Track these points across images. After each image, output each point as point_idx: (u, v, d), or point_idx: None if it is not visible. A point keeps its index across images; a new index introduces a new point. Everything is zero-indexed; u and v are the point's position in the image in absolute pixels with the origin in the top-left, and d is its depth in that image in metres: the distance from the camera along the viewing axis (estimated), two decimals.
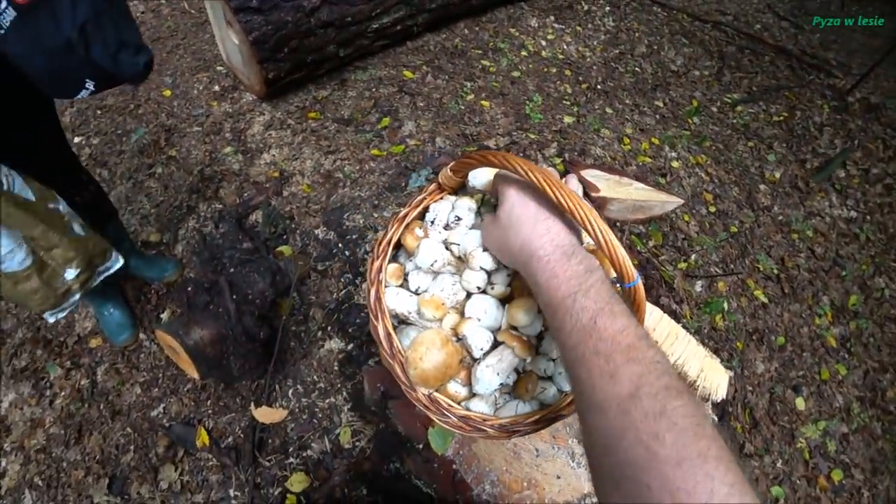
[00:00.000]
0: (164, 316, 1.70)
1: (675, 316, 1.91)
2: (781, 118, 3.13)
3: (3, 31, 0.72)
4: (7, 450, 1.45)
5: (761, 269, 2.29)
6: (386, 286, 0.79)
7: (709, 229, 2.35)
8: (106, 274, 1.21)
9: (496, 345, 0.73)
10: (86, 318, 1.69)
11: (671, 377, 0.39)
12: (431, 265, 0.77)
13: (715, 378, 1.19)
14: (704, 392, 1.18)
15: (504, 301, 0.77)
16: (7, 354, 1.62)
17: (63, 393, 1.55)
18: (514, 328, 0.73)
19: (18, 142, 1.03)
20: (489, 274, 0.75)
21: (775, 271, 2.30)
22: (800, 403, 1.96)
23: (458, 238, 0.78)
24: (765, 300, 2.18)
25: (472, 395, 0.75)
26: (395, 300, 0.77)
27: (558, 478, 0.94)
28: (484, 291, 0.76)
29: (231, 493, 1.39)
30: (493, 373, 0.69)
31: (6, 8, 0.69)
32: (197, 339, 1.20)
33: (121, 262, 1.25)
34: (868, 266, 2.46)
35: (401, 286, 0.81)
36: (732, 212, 2.48)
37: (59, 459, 1.45)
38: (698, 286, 2.09)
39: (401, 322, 0.81)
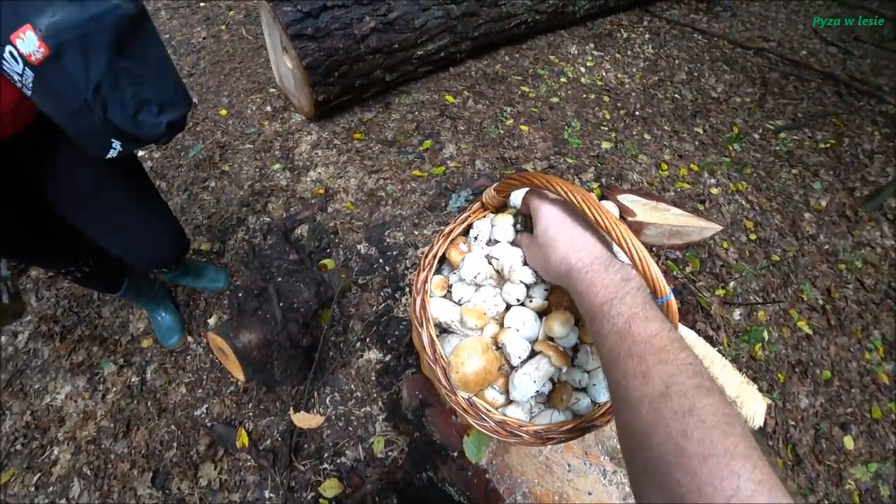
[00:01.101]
0: (211, 321, 1.79)
1: (712, 342, 1.87)
2: (828, 145, 3.05)
3: (30, 93, 0.73)
4: (60, 439, 1.54)
5: (805, 299, 2.22)
6: (431, 296, 0.84)
7: (749, 257, 2.30)
8: None
9: (533, 354, 0.77)
10: (139, 319, 1.80)
11: (703, 377, 0.42)
12: (475, 278, 0.82)
13: (752, 404, 1.17)
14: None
15: (541, 314, 0.80)
16: (67, 349, 1.73)
17: (115, 388, 1.65)
18: (551, 339, 0.76)
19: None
20: (528, 287, 0.79)
21: (820, 302, 2.22)
22: (848, 442, 1.87)
23: (499, 253, 0.83)
24: (809, 331, 2.11)
25: (509, 402, 0.78)
26: (440, 309, 0.82)
27: (589, 494, 0.95)
28: (522, 304, 0.80)
29: (266, 494, 1.44)
30: (529, 380, 0.72)
31: (25, 69, 0.69)
32: (245, 342, 1.28)
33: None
34: None
35: (444, 297, 0.86)
36: (774, 240, 2.42)
37: (108, 451, 1.53)
38: (737, 314, 2.05)
39: (443, 331, 0.86)
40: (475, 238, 0.88)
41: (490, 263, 0.83)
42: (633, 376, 0.44)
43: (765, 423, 1.79)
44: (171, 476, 1.49)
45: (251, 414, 1.56)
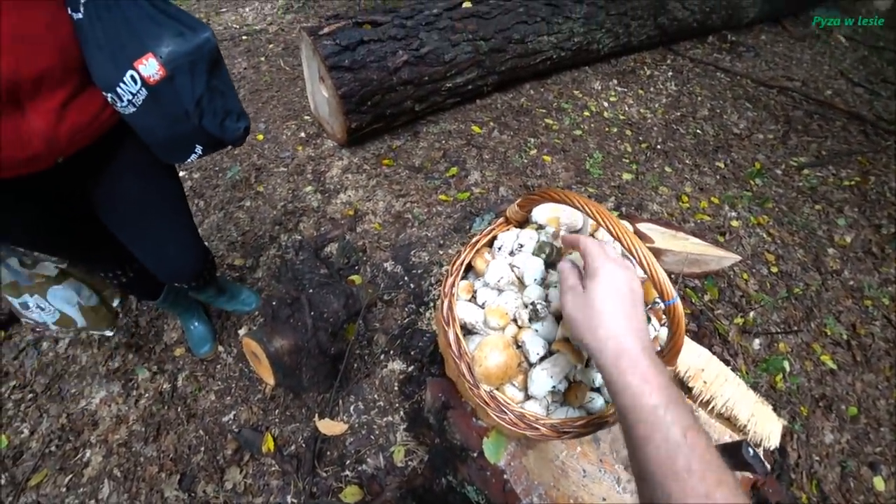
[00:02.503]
0: (241, 332, 1.87)
1: (729, 368, 1.87)
2: (853, 182, 3.06)
3: (135, 109, 0.87)
4: (93, 442, 1.61)
5: (829, 333, 2.19)
6: (457, 299, 0.91)
7: (770, 289, 2.30)
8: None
9: (551, 354, 0.82)
10: (173, 329, 1.89)
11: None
12: (498, 282, 0.89)
13: (767, 424, 1.18)
14: (756, 437, 1.17)
15: (559, 317, 0.86)
16: (104, 356, 1.82)
17: (147, 394, 1.72)
18: (567, 339, 0.82)
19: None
20: (548, 290, 0.86)
21: (845, 337, 2.20)
22: (879, 483, 1.81)
23: (520, 262, 0.90)
24: (833, 366, 2.08)
25: (528, 398, 0.83)
26: (465, 311, 0.88)
27: (604, 500, 0.97)
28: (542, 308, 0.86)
29: (289, 499, 1.48)
30: (546, 376, 0.78)
31: (140, 89, 0.84)
32: (277, 346, 1.35)
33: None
34: None
35: (470, 300, 0.93)
36: (797, 273, 2.42)
37: (138, 454, 1.58)
38: (756, 344, 2.04)
39: (468, 332, 0.92)
40: (499, 248, 0.96)
41: (512, 271, 0.90)
42: (694, 495, 0.43)
43: (787, 453, 1.77)
44: (197, 479, 1.54)
45: (277, 420, 1.61)
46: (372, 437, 1.54)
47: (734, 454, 0.74)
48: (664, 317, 0.89)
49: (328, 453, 1.53)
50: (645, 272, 0.65)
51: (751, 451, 0.73)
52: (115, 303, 1.54)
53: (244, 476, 1.54)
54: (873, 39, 5.15)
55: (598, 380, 0.82)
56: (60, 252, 1.20)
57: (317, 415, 1.57)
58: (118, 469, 1.56)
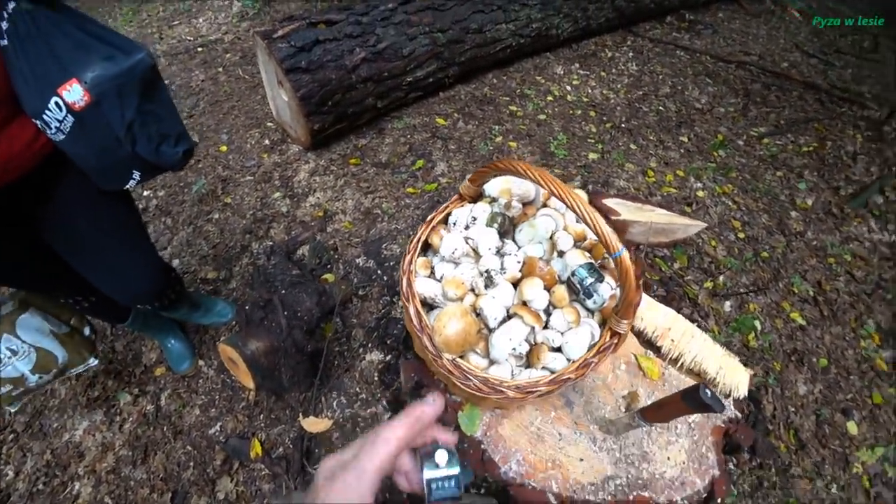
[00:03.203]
0: (218, 344, 1.85)
1: (700, 329, 1.92)
2: (811, 148, 3.15)
3: (64, 136, 0.85)
4: (80, 473, 1.58)
5: (796, 291, 2.27)
6: (416, 276, 0.93)
7: (737, 254, 2.37)
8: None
9: (510, 318, 0.84)
10: (151, 350, 1.87)
11: None
12: (452, 254, 0.91)
13: (735, 376, 1.22)
14: (725, 389, 1.21)
15: (515, 285, 0.89)
16: (83, 386, 1.78)
17: (131, 418, 1.70)
18: (525, 303, 0.84)
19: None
20: (502, 258, 0.88)
21: (812, 294, 2.27)
22: (852, 428, 1.88)
23: (474, 234, 0.92)
24: (802, 322, 2.15)
25: (491, 364, 0.85)
26: (424, 286, 0.90)
27: (581, 460, 1.00)
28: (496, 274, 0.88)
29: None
30: (506, 338, 0.80)
31: (66, 115, 0.82)
32: (253, 349, 1.35)
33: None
34: None
35: (429, 276, 0.95)
36: (762, 237, 2.49)
37: (127, 479, 1.56)
38: (727, 306, 2.10)
39: (430, 308, 0.94)
40: (454, 224, 0.98)
41: (466, 243, 0.92)
42: None
43: (763, 407, 1.82)
44: (189, 495, 1.52)
45: (263, 424, 1.61)
46: (357, 429, 1.54)
47: (693, 397, 0.77)
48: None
49: (316, 451, 1.54)
50: (590, 228, 0.67)
51: (708, 392, 0.76)
52: (87, 331, 1.47)
53: (235, 484, 1.54)
54: (826, 12, 5.31)
55: (557, 339, 0.84)
56: (16, 281, 1.18)
57: (301, 414, 1.57)
58: (109, 497, 1.54)
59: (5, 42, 0.77)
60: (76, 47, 0.81)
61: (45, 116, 0.82)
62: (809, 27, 5.06)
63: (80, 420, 1.70)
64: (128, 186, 1.01)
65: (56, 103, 0.81)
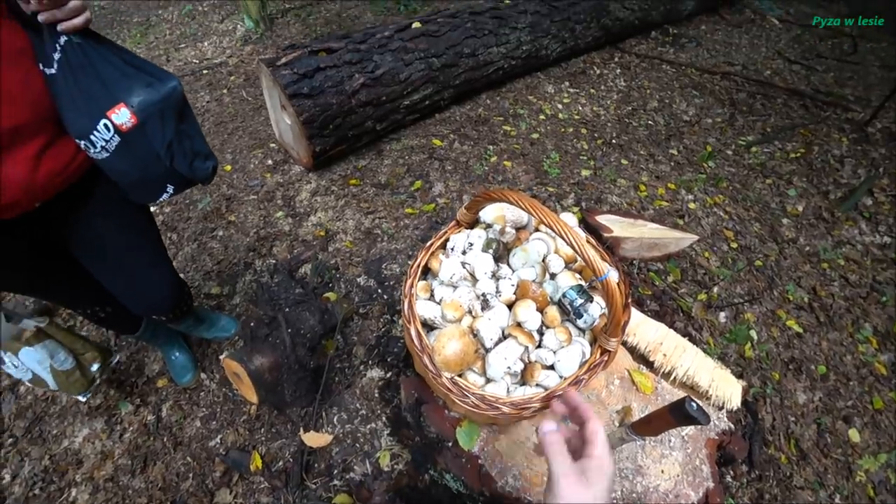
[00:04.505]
0: (222, 357, 1.89)
1: (695, 342, 1.95)
2: (798, 154, 3.22)
3: (108, 154, 0.93)
4: (78, 480, 1.60)
5: (791, 299, 2.30)
6: (416, 298, 0.97)
7: (731, 264, 2.41)
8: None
9: (505, 339, 0.89)
10: (154, 361, 1.91)
11: None
12: (451, 278, 0.95)
13: (727, 388, 1.26)
14: (718, 401, 1.25)
15: (510, 307, 0.93)
16: None
17: (132, 427, 1.73)
18: (519, 324, 0.88)
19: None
20: (497, 282, 0.92)
21: (807, 300, 2.30)
22: (854, 435, 1.88)
23: (471, 259, 0.97)
24: (799, 330, 2.18)
25: (488, 382, 0.89)
26: (424, 308, 0.95)
27: None
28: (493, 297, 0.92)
29: None
30: (501, 358, 0.84)
31: (113, 136, 0.90)
32: (258, 364, 1.39)
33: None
34: None
35: (428, 299, 0.99)
36: (755, 246, 2.53)
37: (126, 488, 1.58)
38: (722, 316, 2.13)
39: (430, 329, 0.98)
40: (452, 249, 1.03)
41: (464, 267, 0.97)
42: None
43: (761, 418, 1.84)
44: None
45: (263, 438, 1.64)
46: (357, 444, 1.57)
47: (680, 410, 0.80)
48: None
49: (315, 465, 1.56)
50: (577, 253, 0.72)
51: (694, 405, 0.79)
52: (94, 367, 1.55)
53: (234, 497, 1.56)
54: (804, 18, 5.44)
55: (550, 357, 0.88)
56: (38, 292, 1.24)
57: (302, 428, 1.60)
58: None
59: (54, 70, 0.85)
60: (121, 75, 0.89)
61: (92, 137, 0.90)
62: (790, 34, 5.17)
63: (81, 427, 1.73)
64: (161, 199, 1.10)
65: (105, 125, 0.89)
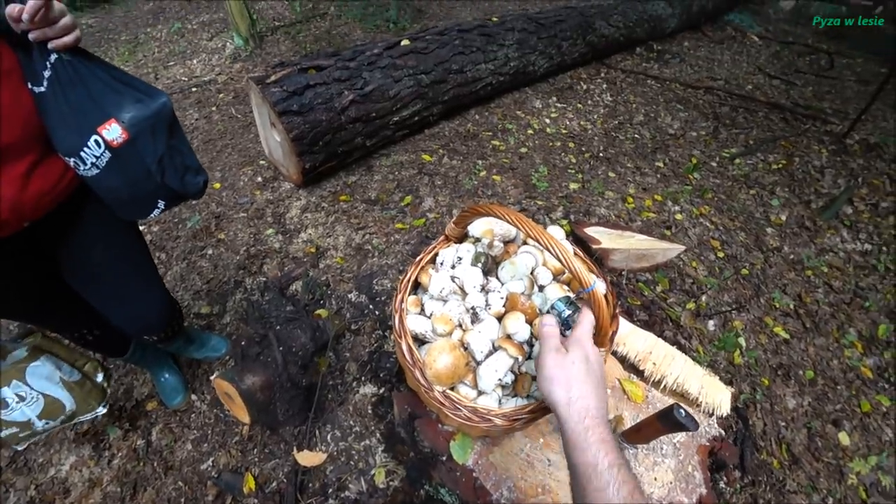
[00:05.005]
0: (213, 377, 1.87)
1: (684, 350, 1.97)
2: (780, 165, 3.30)
3: (98, 171, 0.92)
4: None
5: (778, 306, 2.34)
6: (407, 313, 0.98)
7: (718, 273, 2.45)
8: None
9: (495, 351, 0.90)
10: (143, 384, 1.87)
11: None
12: (440, 292, 0.96)
13: (716, 395, 1.27)
14: (708, 408, 1.26)
15: (500, 319, 0.94)
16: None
17: (120, 453, 1.68)
18: (509, 336, 0.90)
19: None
20: (487, 295, 0.94)
21: (793, 307, 2.35)
22: (844, 438, 1.91)
23: (460, 273, 0.98)
24: (786, 336, 2.21)
25: (480, 394, 0.90)
26: (415, 322, 0.96)
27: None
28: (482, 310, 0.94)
29: None
30: (492, 370, 0.85)
31: (104, 152, 0.90)
32: (249, 384, 1.38)
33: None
34: (892, 295, 2.46)
35: (419, 314, 1.00)
36: (741, 255, 2.58)
37: None
38: (711, 325, 2.16)
39: (421, 343, 0.99)
40: (441, 263, 1.04)
41: (453, 281, 0.98)
42: None
43: (752, 424, 1.86)
44: None
45: (256, 459, 1.62)
46: (351, 462, 1.56)
47: (668, 417, 0.82)
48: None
49: (310, 485, 1.54)
50: (564, 265, 0.74)
51: (682, 412, 0.81)
52: (99, 378, 1.49)
53: None
54: (783, 35, 5.62)
55: None
56: (24, 315, 1.22)
57: (295, 448, 1.58)
58: None
59: (43, 88, 0.85)
60: (111, 91, 0.90)
61: (82, 153, 0.90)
62: (769, 50, 5.34)
63: (67, 455, 1.68)
64: (152, 215, 1.09)
65: (95, 141, 0.89)
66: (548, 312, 0.81)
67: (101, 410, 1.46)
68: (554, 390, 0.68)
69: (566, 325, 0.85)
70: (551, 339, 0.74)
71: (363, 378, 1.77)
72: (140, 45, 4.75)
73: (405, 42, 2.97)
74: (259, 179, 2.86)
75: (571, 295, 0.93)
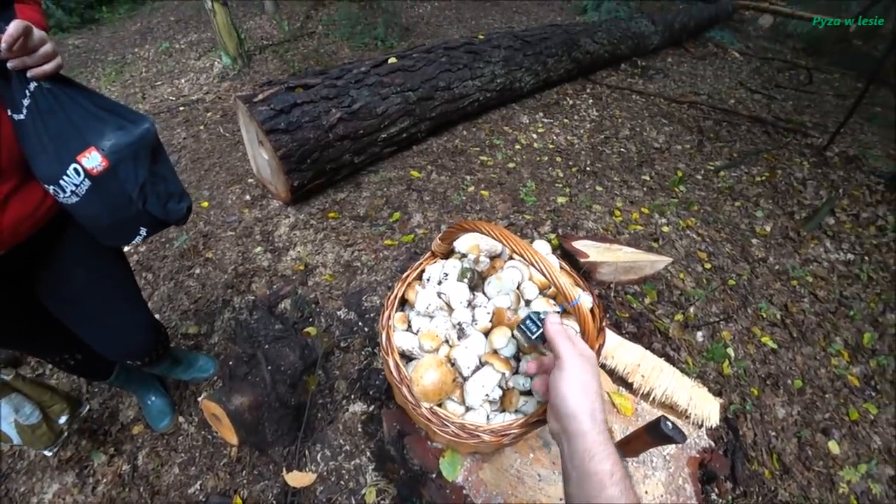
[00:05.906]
0: (201, 399, 1.84)
1: (673, 362, 1.98)
2: (763, 178, 3.37)
3: (78, 199, 0.91)
4: None
5: (765, 316, 2.36)
6: (394, 330, 0.98)
7: (705, 284, 2.47)
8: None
9: (482, 367, 0.90)
10: (129, 407, 1.84)
11: None
12: (427, 308, 0.96)
13: (705, 406, 1.28)
14: (698, 419, 1.27)
15: (486, 335, 0.94)
16: (55, 447, 1.75)
17: (105, 479, 1.64)
18: (496, 351, 0.90)
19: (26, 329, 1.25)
20: (473, 310, 0.94)
21: (779, 317, 2.37)
22: (833, 447, 1.91)
23: (447, 289, 0.99)
24: (774, 346, 2.23)
25: (468, 410, 0.90)
26: (402, 339, 0.96)
27: (561, 500, 1.03)
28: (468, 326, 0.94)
29: None
30: (479, 385, 0.85)
31: (83, 180, 0.89)
32: (237, 404, 1.36)
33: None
34: (876, 304, 2.50)
35: (406, 330, 1.00)
36: (728, 266, 2.61)
37: None
38: (699, 336, 2.18)
39: (408, 359, 0.99)
40: (428, 280, 1.04)
41: (439, 297, 0.98)
42: None
43: (742, 434, 1.86)
44: None
45: (245, 481, 1.58)
46: (342, 482, 1.53)
47: (656, 430, 0.82)
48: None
49: None
50: (549, 281, 0.74)
51: (669, 424, 0.81)
52: (62, 420, 1.50)
53: None
54: (762, 51, 5.78)
55: (527, 383, 0.90)
56: (4, 340, 1.20)
57: (284, 468, 1.55)
58: None
59: (23, 116, 0.84)
60: (92, 118, 0.89)
61: (61, 182, 0.89)
62: (750, 66, 5.48)
63: (50, 483, 1.64)
64: (134, 242, 1.07)
65: (75, 169, 0.88)
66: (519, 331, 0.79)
67: (47, 453, 1.53)
68: (581, 401, 0.66)
69: (539, 340, 0.84)
70: (567, 342, 0.70)
71: (353, 396, 1.75)
72: (127, 65, 4.77)
73: (392, 60, 3.01)
74: (247, 198, 2.86)
75: (557, 309, 0.94)
